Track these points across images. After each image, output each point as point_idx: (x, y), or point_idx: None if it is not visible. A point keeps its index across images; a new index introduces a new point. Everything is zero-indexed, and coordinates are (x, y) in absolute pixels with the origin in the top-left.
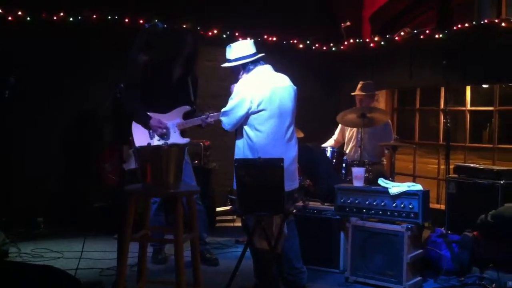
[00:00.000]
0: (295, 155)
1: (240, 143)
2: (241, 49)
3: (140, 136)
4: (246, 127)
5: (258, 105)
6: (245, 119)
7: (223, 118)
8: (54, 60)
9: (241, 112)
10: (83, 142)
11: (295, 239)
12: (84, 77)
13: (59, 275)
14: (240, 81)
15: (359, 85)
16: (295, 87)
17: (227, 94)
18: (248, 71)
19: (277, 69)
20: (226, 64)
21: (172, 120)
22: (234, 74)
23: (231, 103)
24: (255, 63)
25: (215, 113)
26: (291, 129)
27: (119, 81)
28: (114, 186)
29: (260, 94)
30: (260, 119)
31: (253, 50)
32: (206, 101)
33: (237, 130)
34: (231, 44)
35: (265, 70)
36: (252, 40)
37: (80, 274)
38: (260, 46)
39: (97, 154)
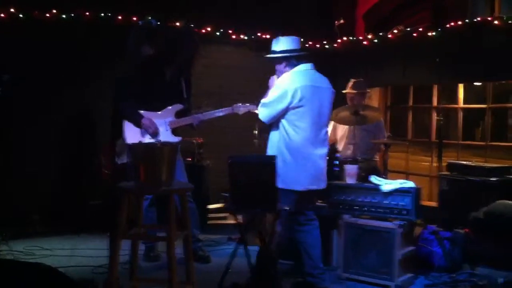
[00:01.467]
0: (326, 155)
1: (275, 138)
2: (288, 43)
3: (132, 134)
4: (284, 122)
5: (300, 100)
6: (283, 113)
7: (262, 109)
8: (48, 58)
9: (282, 105)
10: (78, 140)
11: (318, 238)
12: (78, 75)
13: (50, 273)
14: (284, 74)
15: (350, 83)
16: (334, 91)
17: (220, 92)
18: (291, 65)
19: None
20: (271, 55)
21: (165, 118)
22: (276, 65)
23: (272, 94)
24: (299, 59)
25: (207, 112)
26: (325, 129)
27: (113, 79)
28: (108, 180)
29: (303, 90)
30: (299, 115)
31: (298, 46)
32: (198, 99)
33: (272, 124)
34: (279, 37)
35: (308, 68)
36: (298, 38)
37: (72, 272)
38: (254, 43)
39: (94, 150)
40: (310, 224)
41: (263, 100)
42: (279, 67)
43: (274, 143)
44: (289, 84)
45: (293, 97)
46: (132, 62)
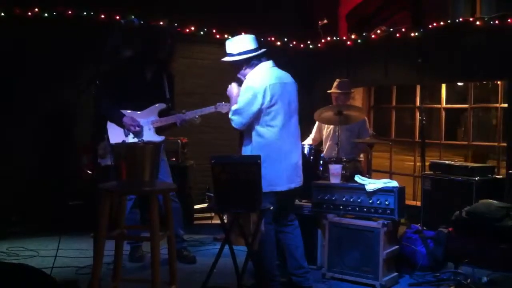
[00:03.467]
0: (301, 150)
1: (248, 142)
2: (244, 43)
3: (115, 134)
4: (255, 125)
5: (271, 99)
6: (256, 116)
7: (234, 117)
8: (27, 56)
9: (254, 108)
10: (58, 139)
11: (299, 237)
12: (58, 74)
13: (34, 274)
14: (248, 76)
15: (335, 83)
16: (296, 84)
17: (203, 91)
18: (252, 66)
19: None
20: (228, 59)
21: (147, 118)
22: (235, 69)
23: (242, 99)
24: (259, 58)
25: (190, 111)
26: (296, 124)
27: (94, 78)
28: (89, 181)
29: (272, 88)
30: (271, 114)
31: (255, 45)
32: (181, 99)
33: (243, 130)
34: (232, 38)
35: (270, 66)
36: (253, 35)
37: (56, 273)
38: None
39: (74, 149)
40: (292, 225)
41: (233, 107)
42: (239, 69)
43: (248, 148)
44: (257, 85)
45: (264, 97)
46: (111, 63)
